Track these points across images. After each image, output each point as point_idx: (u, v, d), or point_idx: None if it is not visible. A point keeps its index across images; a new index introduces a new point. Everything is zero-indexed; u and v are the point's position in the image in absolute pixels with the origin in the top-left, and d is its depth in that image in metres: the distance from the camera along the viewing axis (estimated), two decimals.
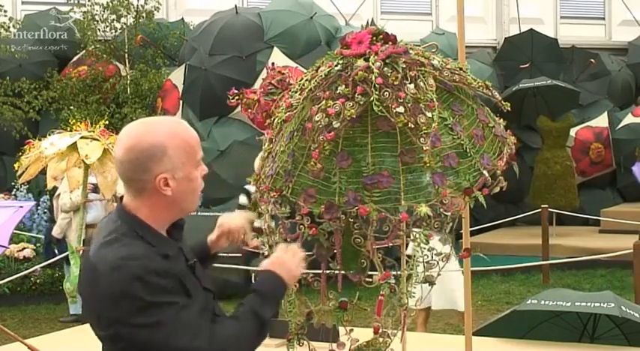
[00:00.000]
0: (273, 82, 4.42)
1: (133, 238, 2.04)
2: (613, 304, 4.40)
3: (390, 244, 2.64)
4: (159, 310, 1.95)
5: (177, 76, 10.99)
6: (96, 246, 2.07)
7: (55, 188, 8.19)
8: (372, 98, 2.53)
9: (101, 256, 2.02)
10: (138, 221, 2.08)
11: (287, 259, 2.24)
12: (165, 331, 1.94)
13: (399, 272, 2.71)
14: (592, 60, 13.01)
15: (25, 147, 7.03)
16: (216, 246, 2.46)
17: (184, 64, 10.82)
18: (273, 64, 4.83)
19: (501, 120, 2.94)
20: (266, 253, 2.79)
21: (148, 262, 1.98)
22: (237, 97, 4.58)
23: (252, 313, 2.09)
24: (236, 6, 11.03)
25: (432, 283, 2.67)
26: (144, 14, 11.58)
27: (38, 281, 9.04)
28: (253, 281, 2.52)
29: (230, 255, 6.78)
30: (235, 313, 2.11)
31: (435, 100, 2.60)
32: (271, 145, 2.88)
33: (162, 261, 2.01)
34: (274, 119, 2.91)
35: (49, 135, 6.97)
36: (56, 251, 8.49)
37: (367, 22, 3.33)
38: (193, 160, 2.11)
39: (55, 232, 8.31)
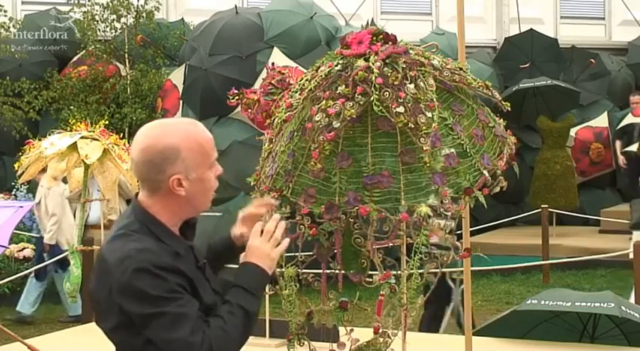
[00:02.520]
0: (273, 82, 4.42)
1: (144, 234, 2.10)
2: (613, 304, 4.40)
3: (390, 244, 2.64)
4: (162, 302, 2.00)
5: (177, 76, 10.99)
6: (108, 239, 2.15)
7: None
8: (372, 98, 2.54)
9: (111, 248, 2.10)
10: (151, 218, 2.14)
11: (261, 245, 2.22)
12: (167, 321, 1.99)
13: (399, 272, 2.71)
14: (592, 60, 13.00)
15: (25, 147, 7.02)
16: (241, 239, 2.44)
17: (184, 64, 10.82)
18: (273, 64, 4.84)
19: (501, 120, 2.94)
20: None
21: (157, 256, 2.04)
22: (237, 97, 4.58)
23: (238, 308, 2.10)
24: (236, 6, 11.03)
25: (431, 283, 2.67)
26: (144, 14, 11.57)
27: None
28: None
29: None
30: (223, 311, 2.11)
31: (435, 100, 2.60)
32: (271, 145, 2.88)
33: (171, 258, 2.06)
34: (274, 119, 2.92)
35: (49, 135, 6.97)
36: (45, 256, 8.47)
37: (367, 22, 3.34)
38: (207, 161, 2.15)
39: (48, 239, 8.33)
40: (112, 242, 2.11)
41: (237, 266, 2.25)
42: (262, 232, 2.24)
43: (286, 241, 2.27)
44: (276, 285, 2.82)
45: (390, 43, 2.70)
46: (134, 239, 2.08)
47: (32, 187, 10.27)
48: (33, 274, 8.37)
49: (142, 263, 2.01)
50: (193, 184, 2.13)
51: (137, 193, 2.21)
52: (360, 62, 2.63)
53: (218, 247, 2.45)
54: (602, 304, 4.42)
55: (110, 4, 11.36)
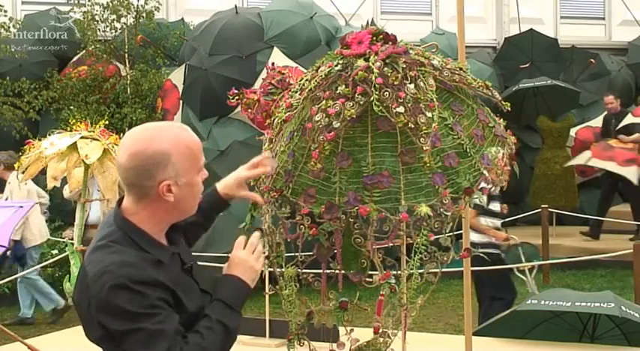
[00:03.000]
0: (273, 82, 4.42)
1: (125, 245, 2.05)
2: (613, 304, 4.40)
3: (390, 244, 2.64)
4: (140, 318, 1.96)
5: (177, 76, 10.99)
6: (89, 250, 2.11)
7: (54, 188, 8.20)
8: (372, 98, 2.53)
9: (91, 260, 2.05)
10: (133, 226, 2.08)
11: (245, 257, 2.18)
12: (144, 337, 1.95)
13: (399, 272, 2.71)
14: (592, 60, 13.00)
15: (25, 147, 7.02)
16: (231, 190, 2.48)
17: (184, 64, 10.82)
18: (273, 64, 4.84)
19: (501, 120, 2.94)
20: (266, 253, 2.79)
21: (136, 270, 1.99)
22: (237, 97, 4.59)
23: (218, 324, 2.06)
24: (236, 6, 11.03)
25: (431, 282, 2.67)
26: (144, 14, 11.56)
27: None
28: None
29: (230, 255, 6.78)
30: (201, 326, 2.06)
31: (435, 100, 2.60)
32: (271, 145, 2.88)
33: (152, 270, 2.01)
34: (274, 119, 2.91)
35: (49, 135, 6.96)
36: (8, 254, 8.45)
37: (367, 22, 3.34)
38: (196, 166, 2.12)
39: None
40: (92, 253, 2.07)
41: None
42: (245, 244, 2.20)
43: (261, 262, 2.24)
44: (276, 285, 2.82)
45: (390, 43, 2.70)
46: (114, 251, 2.03)
47: None
48: (19, 279, 8.35)
49: (119, 279, 1.96)
50: (182, 190, 2.08)
51: (120, 200, 2.15)
52: (360, 62, 2.63)
53: (207, 205, 2.43)
54: (602, 304, 4.43)
55: (110, 4, 11.35)
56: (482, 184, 2.61)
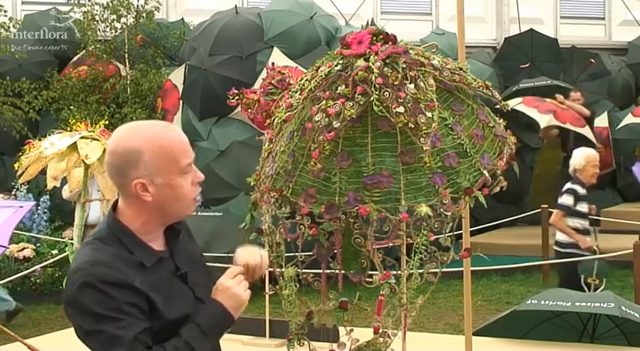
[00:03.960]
0: (273, 82, 4.42)
1: (109, 244, 2.06)
2: (613, 304, 4.40)
3: (390, 244, 2.64)
4: (103, 320, 1.95)
5: (177, 76, 10.99)
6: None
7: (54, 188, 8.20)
8: (372, 98, 2.54)
9: (75, 257, 2.11)
10: (120, 226, 2.09)
11: (233, 285, 2.11)
12: (102, 340, 1.95)
13: (399, 272, 2.71)
14: (592, 60, 13.00)
15: (25, 147, 7.02)
16: None
17: (184, 64, 10.82)
18: (273, 64, 4.84)
19: (501, 120, 2.94)
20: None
21: (108, 270, 1.98)
22: (237, 97, 4.58)
23: (186, 345, 2.01)
24: (236, 6, 11.02)
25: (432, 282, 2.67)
26: (144, 14, 11.56)
27: (38, 281, 9.04)
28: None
29: (230, 255, 6.79)
30: (170, 343, 2.02)
31: (435, 100, 2.61)
32: (271, 145, 2.88)
33: (129, 271, 2.00)
34: (274, 119, 2.91)
35: (49, 135, 6.96)
36: None
37: (367, 22, 3.34)
38: (175, 166, 2.07)
39: None
40: (79, 250, 2.12)
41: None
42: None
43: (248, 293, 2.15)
44: (276, 285, 2.82)
45: (390, 43, 2.71)
46: (94, 248, 2.04)
47: (32, 187, 10.29)
48: None
49: (89, 278, 1.96)
50: (160, 190, 2.05)
51: (117, 200, 2.16)
52: (360, 62, 2.63)
53: None
54: (602, 304, 4.43)
55: (110, 4, 11.35)
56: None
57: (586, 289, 7.09)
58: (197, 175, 2.13)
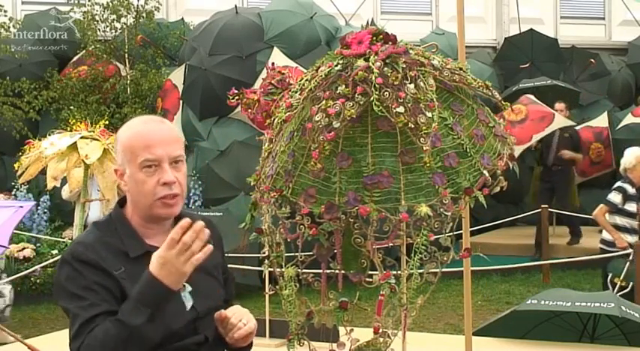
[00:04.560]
0: (273, 82, 4.42)
1: (102, 229, 2.16)
2: (613, 304, 4.40)
3: (390, 244, 2.64)
4: (73, 298, 2.04)
5: (177, 76, 10.99)
6: None
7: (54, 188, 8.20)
8: (372, 98, 2.53)
9: None
10: (120, 215, 2.19)
11: (172, 257, 1.98)
12: (70, 318, 2.04)
13: (399, 272, 2.71)
14: (592, 60, 13.00)
15: (25, 147, 7.02)
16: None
17: (184, 64, 10.82)
18: (273, 64, 4.84)
19: (501, 120, 2.94)
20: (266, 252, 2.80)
21: (84, 250, 2.07)
22: (237, 97, 4.59)
23: (118, 320, 1.98)
24: (236, 6, 11.02)
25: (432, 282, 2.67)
26: (144, 14, 11.56)
27: (38, 281, 9.04)
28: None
29: (230, 255, 6.78)
30: (107, 320, 2.00)
31: (435, 100, 2.60)
32: (271, 145, 2.88)
33: (109, 256, 2.07)
34: (274, 119, 2.91)
35: (49, 135, 6.96)
36: None
37: (367, 22, 3.34)
38: (134, 160, 2.12)
39: None
40: None
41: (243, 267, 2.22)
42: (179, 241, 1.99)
43: (209, 248, 2.01)
44: (276, 285, 2.81)
45: (390, 43, 2.70)
46: (86, 231, 2.19)
47: (32, 187, 10.29)
48: None
49: (67, 255, 2.09)
50: (129, 181, 2.15)
51: None
52: (360, 62, 2.63)
53: None
54: (602, 304, 4.43)
55: (110, 4, 11.35)
56: None
57: (611, 288, 7.06)
58: (164, 176, 2.12)
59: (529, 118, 10.31)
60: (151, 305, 1.98)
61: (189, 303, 2.15)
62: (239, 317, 2.24)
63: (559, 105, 10.86)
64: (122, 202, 2.22)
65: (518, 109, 10.34)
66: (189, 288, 2.14)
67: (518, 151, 9.96)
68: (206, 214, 8.97)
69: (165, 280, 1.98)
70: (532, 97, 10.86)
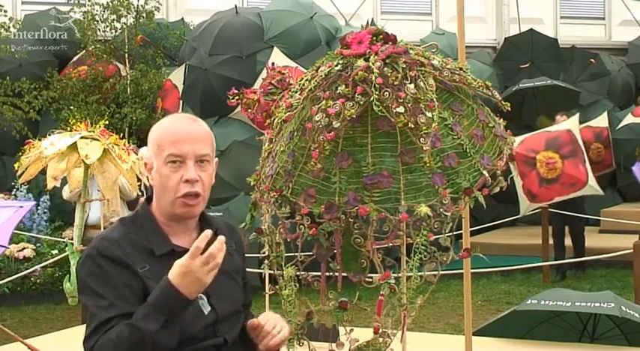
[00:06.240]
0: (273, 82, 4.42)
1: (125, 224, 2.15)
2: (613, 304, 4.40)
3: (390, 244, 2.64)
4: (90, 295, 2.02)
5: (177, 76, 10.99)
6: None
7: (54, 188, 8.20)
8: (372, 98, 2.54)
9: None
10: (146, 211, 2.18)
11: (195, 267, 1.94)
12: (88, 314, 2.03)
13: (399, 274, 2.71)
14: (592, 60, 13.00)
15: (25, 147, 7.02)
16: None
17: (184, 64, 10.82)
18: (273, 64, 4.84)
19: (501, 120, 2.94)
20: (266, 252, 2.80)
21: (109, 245, 2.05)
22: (237, 97, 4.59)
23: (130, 324, 1.95)
24: (236, 6, 11.02)
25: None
26: (144, 14, 11.56)
27: (38, 281, 9.04)
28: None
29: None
30: (122, 323, 1.98)
31: (435, 100, 2.61)
32: (271, 145, 2.88)
33: (134, 253, 2.05)
34: (274, 119, 2.91)
35: (49, 135, 6.96)
36: None
37: (367, 22, 3.33)
38: (160, 153, 2.13)
39: None
40: None
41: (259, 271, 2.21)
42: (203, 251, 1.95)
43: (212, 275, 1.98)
44: (276, 285, 2.82)
45: (390, 43, 2.71)
46: (112, 227, 2.16)
47: (32, 187, 10.28)
48: None
49: (91, 250, 2.07)
50: (155, 175, 2.14)
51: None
52: (360, 62, 2.63)
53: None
54: (602, 304, 4.42)
55: (110, 4, 11.35)
56: None
57: None
58: (187, 172, 2.10)
59: (560, 180, 9.49)
60: (166, 312, 1.96)
61: (206, 309, 2.12)
62: (273, 324, 2.21)
63: (561, 118, 10.42)
64: (149, 199, 2.21)
65: (554, 163, 9.50)
66: (204, 297, 2.11)
67: (528, 208, 9.58)
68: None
69: (184, 289, 1.95)
70: (571, 123, 9.95)
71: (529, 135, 9.90)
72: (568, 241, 9.93)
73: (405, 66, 2.63)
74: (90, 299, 2.01)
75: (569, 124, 9.73)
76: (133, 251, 2.05)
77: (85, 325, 2.08)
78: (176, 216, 2.15)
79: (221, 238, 1.96)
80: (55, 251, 9.33)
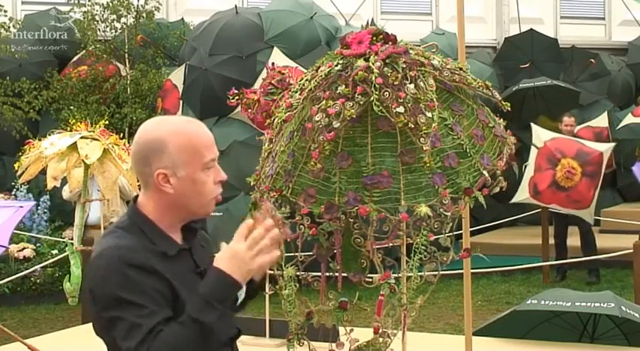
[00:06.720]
0: (273, 82, 4.43)
1: (129, 232, 2.06)
2: (613, 304, 4.40)
3: (390, 244, 2.64)
4: (125, 307, 1.93)
5: (177, 76, 10.98)
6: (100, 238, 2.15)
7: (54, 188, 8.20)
8: (372, 98, 2.54)
9: (96, 247, 2.09)
10: (142, 217, 2.10)
11: (240, 251, 1.95)
12: (125, 327, 1.92)
13: (399, 274, 2.71)
14: (592, 60, 13.00)
15: (25, 147, 7.03)
16: None
17: (184, 64, 10.81)
18: (273, 64, 4.84)
19: (501, 120, 2.94)
20: None
21: (131, 254, 1.98)
22: (237, 97, 4.59)
23: (189, 319, 1.91)
24: (236, 6, 11.02)
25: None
26: (144, 14, 11.56)
27: (38, 281, 9.04)
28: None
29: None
30: (175, 322, 1.94)
31: (435, 100, 2.61)
32: (271, 145, 2.88)
33: (156, 259, 2.00)
34: (274, 119, 2.92)
35: (49, 135, 6.97)
36: None
37: (367, 22, 3.33)
38: (198, 161, 2.07)
39: None
40: (99, 241, 2.11)
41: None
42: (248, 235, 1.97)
43: (276, 253, 1.99)
44: (276, 285, 2.81)
45: (390, 43, 2.71)
46: (117, 236, 2.05)
47: (32, 187, 10.28)
48: None
49: (114, 261, 1.96)
50: (182, 183, 2.05)
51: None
52: (360, 62, 2.63)
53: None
54: (602, 304, 4.43)
55: (110, 4, 11.35)
56: None
57: None
58: (219, 174, 2.12)
59: (569, 192, 9.21)
60: (222, 301, 1.93)
61: (241, 297, 2.11)
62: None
63: (569, 120, 10.24)
64: (135, 203, 2.15)
65: (573, 174, 9.19)
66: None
67: (524, 200, 9.38)
68: None
69: (235, 274, 1.94)
70: (606, 147, 9.59)
71: (563, 136, 9.81)
72: (569, 242, 9.93)
73: (405, 66, 2.63)
74: (128, 311, 1.92)
75: (604, 147, 9.66)
76: (149, 255, 2.01)
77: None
78: (198, 216, 2.15)
79: (266, 225, 1.97)
80: (55, 251, 9.33)
